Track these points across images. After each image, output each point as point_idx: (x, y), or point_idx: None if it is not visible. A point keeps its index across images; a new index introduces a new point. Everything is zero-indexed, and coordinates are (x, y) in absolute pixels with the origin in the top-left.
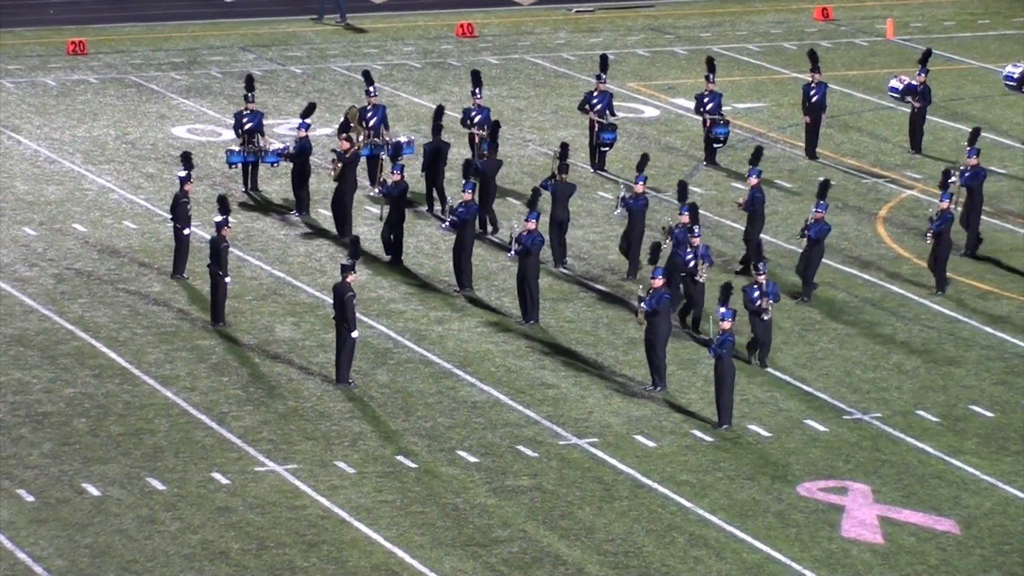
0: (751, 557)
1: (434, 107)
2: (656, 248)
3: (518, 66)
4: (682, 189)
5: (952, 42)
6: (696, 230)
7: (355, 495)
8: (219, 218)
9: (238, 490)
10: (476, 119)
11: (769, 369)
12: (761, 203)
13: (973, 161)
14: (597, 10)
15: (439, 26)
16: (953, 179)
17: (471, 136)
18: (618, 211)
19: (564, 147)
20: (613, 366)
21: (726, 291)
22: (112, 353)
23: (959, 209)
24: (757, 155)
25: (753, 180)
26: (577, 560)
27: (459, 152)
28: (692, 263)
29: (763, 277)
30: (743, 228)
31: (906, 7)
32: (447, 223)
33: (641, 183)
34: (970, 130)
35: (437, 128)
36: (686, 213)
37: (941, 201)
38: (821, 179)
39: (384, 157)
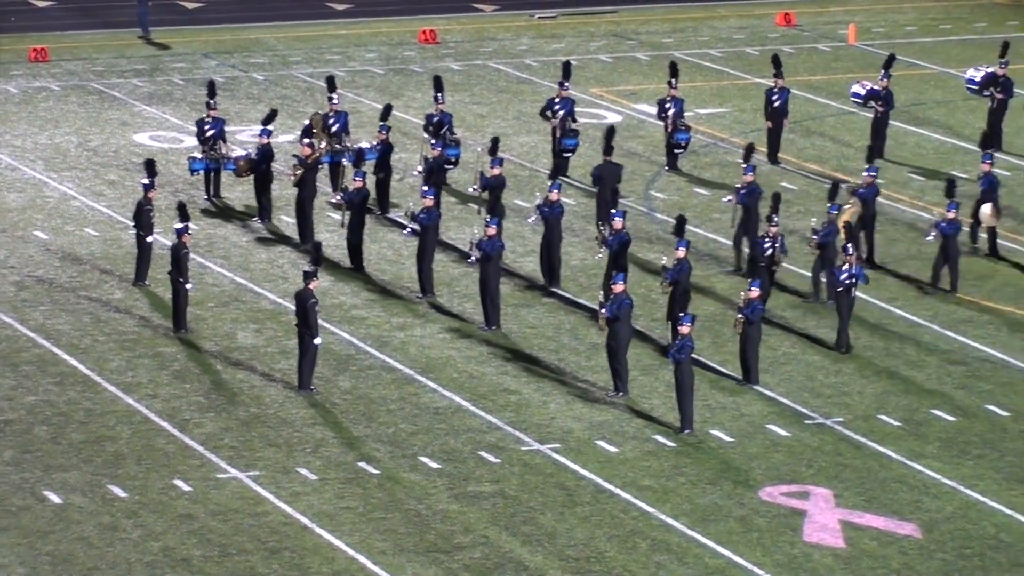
0: (713, 562)
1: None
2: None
3: (480, 72)
4: (614, 195)
5: (914, 47)
6: (775, 219)
7: (317, 501)
8: (179, 225)
9: (200, 497)
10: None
11: (730, 373)
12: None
13: (749, 178)
14: (559, 16)
15: (401, 32)
16: (729, 198)
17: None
18: (532, 219)
19: (494, 141)
20: (575, 372)
21: (685, 296)
22: (74, 360)
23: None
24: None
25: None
26: (539, 566)
27: (405, 156)
28: (770, 251)
29: (851, 256)
30: (707, 234)
31: (868, 12)
32: (409, 229)
33: (556, 191)
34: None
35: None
36: (619, 219)
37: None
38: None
39: (346, 163)
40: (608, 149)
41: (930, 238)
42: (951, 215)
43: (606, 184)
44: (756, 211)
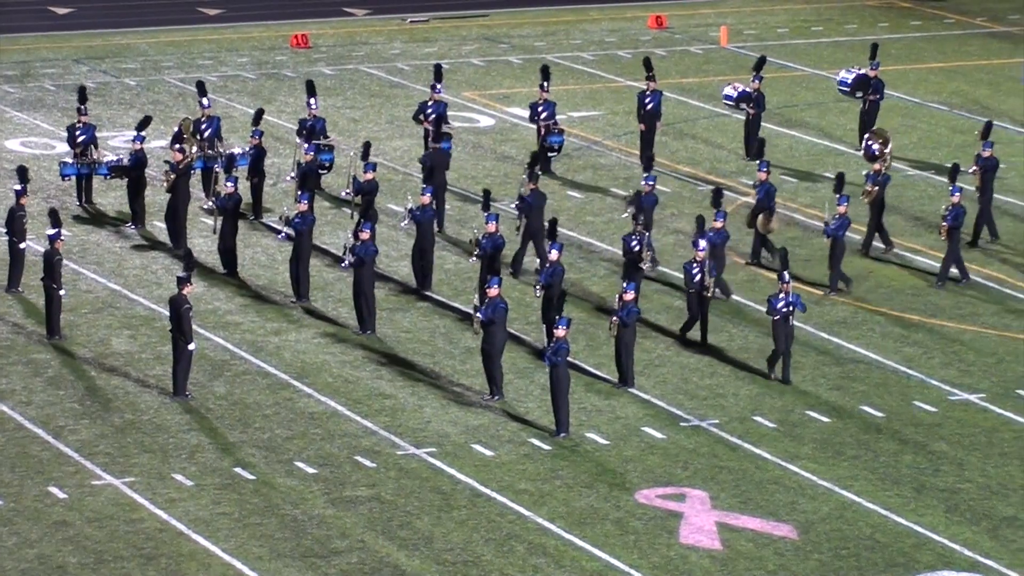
0: (590, 565)
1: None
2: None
3: (353, 76)
4: (486, 198)
5: (786, 49)
6: (700, 244)
7: (193, 507)
8: (51, 231)
9: (75, 504)
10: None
11: (606, 376)
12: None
13: (532, 185)
14: (431, 20)
15: (273, 37)
16: (515, 204)
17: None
18: (405, 223)
19: (367, 146)
20: (450, 375)
21: (560, 299)
22: None
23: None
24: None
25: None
26: (416, 570)
27: (278, 161)
28: (699, 276)
29: (787, 284)
30: (581, 236)
31: (739, 15)
32: (283, 234)
33: (428, 194)
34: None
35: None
36: (493, 222)
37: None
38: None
39: (218, 169)
40: (437, 136)
41: (653, 245)
42: (718, 224)
43: (437, 171)
44: (541, 219)
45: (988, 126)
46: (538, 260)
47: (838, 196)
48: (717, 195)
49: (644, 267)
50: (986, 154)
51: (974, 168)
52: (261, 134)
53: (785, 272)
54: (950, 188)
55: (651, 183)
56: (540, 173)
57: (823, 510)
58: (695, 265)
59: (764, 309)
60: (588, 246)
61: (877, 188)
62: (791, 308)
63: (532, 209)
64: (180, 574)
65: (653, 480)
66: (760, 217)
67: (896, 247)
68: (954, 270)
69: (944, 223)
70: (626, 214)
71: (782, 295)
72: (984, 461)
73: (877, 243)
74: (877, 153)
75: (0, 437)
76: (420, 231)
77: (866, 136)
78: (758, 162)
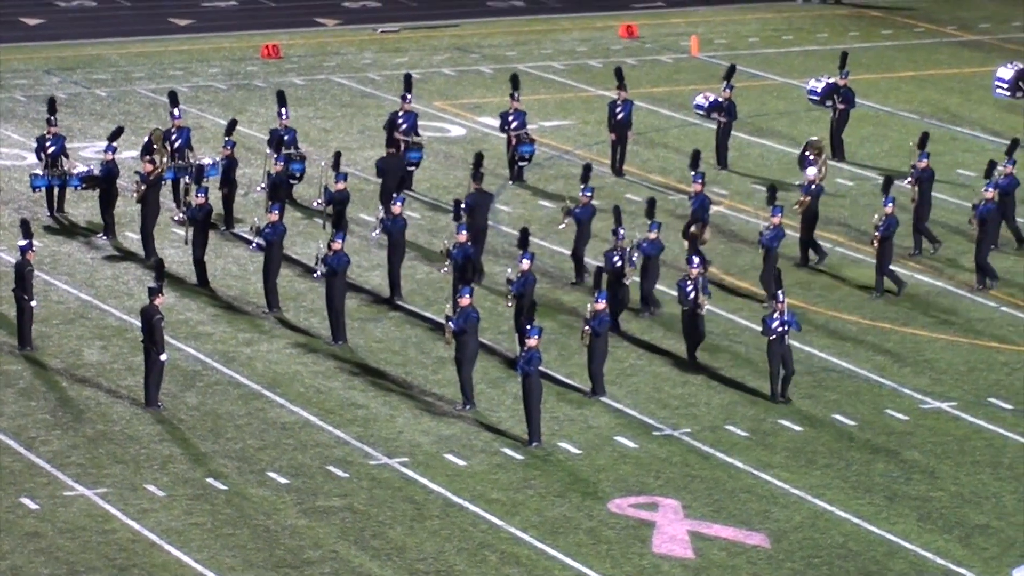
0: (563, 574)
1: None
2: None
3: (324, 87)
4: (456, 208)
5: (756, 58)
6: (695, 261)
7: (165, 518)
8: (23, 242)
9: (47, 515)
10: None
11: (577, 385)
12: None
13: (477, 185)
14: (402, 30)
15: (244, 47)
16: (462, 205)
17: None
18: (376, 233)
19: (337, 156)
20: (422, 385)
21: (531, 308)
22: None
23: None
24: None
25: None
26: None
27: (249, 171)
28: (692, 294)
29: (782, 304)
30: (552, 246)
31: (710, 24)
32: (255, 244)
33: (399, 203)
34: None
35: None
36: (463, 232)
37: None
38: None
39: (188, 180)
40: (391, 141)
41: (634, 259)
42: (652, 235)
43: (389, 176)
44: (484, 219)
45: (924, 137)
46: (480, 262)
47: (772, 207)
48: (651, 206)
49: (627, 282)
50: (922, 165)
51: (909, 179)
52: (233, 144)
53: (779, 291)
54: (883, 199)
55: (588, 194)
56: (484, 173)
57: (795, 519)
58: (688, 282)
59: (734, 318)
60: (559, 255)
61: (809, 199)
62: (786, 327)
63: (474, 209)
64: None
65: (625, 489)
66: (693, 228)
67: (863, 255)
68: (888, 281)
69: (876, 233)
70: (563, 225)
71: (776, 315)
72: (956, 469)
73: (850, 250)
74: (812, 163)
75: None
76: (391, 241)
77: (804, 146)
78: (692, 173)
